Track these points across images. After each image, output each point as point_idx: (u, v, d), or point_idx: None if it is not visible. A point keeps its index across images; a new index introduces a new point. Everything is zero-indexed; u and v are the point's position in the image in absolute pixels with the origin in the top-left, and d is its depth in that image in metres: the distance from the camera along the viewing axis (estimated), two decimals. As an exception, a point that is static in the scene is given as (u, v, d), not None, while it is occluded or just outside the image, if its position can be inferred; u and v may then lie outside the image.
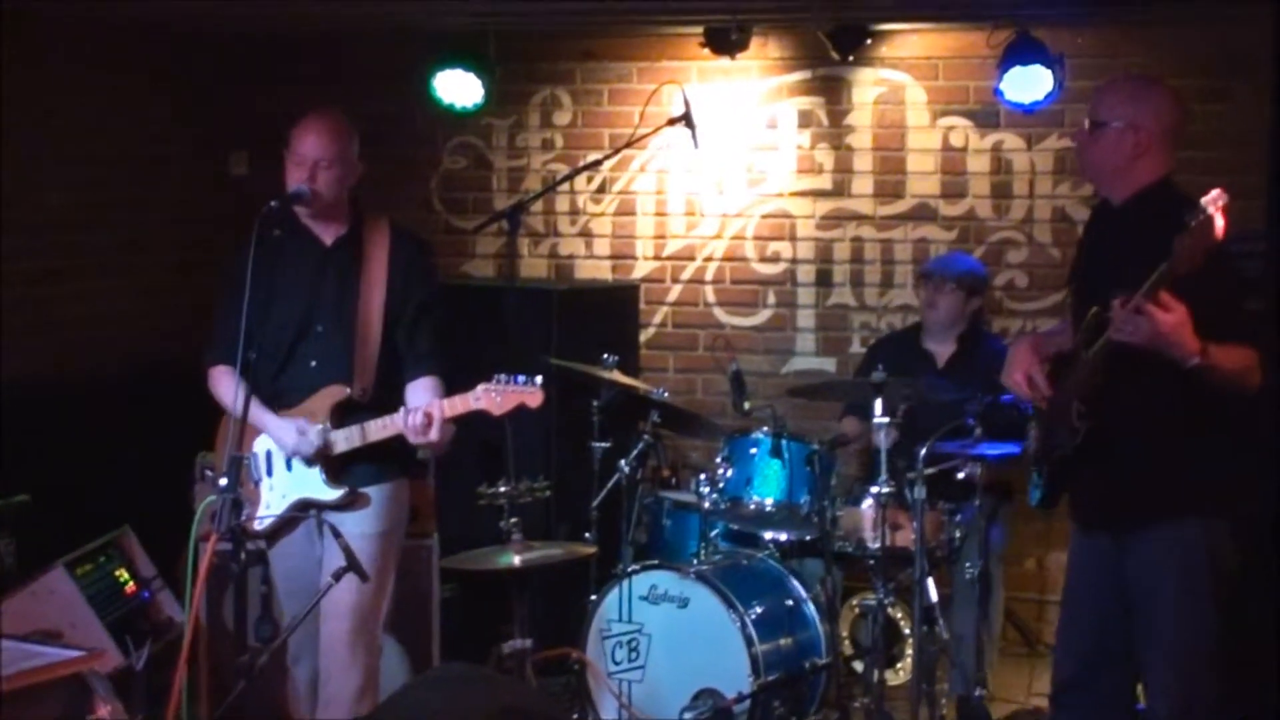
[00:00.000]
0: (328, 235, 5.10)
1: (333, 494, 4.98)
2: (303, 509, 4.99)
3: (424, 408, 4.85)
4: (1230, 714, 4.83)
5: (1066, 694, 4.85)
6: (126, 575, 6.08)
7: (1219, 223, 4.02)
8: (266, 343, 4.77)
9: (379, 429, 4.92)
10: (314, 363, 5.03)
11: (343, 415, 4.98)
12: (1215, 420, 4.49)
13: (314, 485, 5.00)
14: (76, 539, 6.03)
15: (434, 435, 4.85)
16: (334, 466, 5.00)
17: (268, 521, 5.02)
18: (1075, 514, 4.85)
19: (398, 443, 4.96)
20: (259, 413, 4.86)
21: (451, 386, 4.99)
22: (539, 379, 4.80)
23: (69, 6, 6.65)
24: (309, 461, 4.97)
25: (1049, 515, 5.84)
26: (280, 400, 5.02)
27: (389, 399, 4.98)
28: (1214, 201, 4.02)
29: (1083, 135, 4.72)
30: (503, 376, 4.80)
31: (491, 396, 4.80)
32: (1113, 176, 4.66)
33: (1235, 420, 4.52)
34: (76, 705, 4.43)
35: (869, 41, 7.28)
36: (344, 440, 4.96)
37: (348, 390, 4.98)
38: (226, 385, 5.03)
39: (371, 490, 5.04)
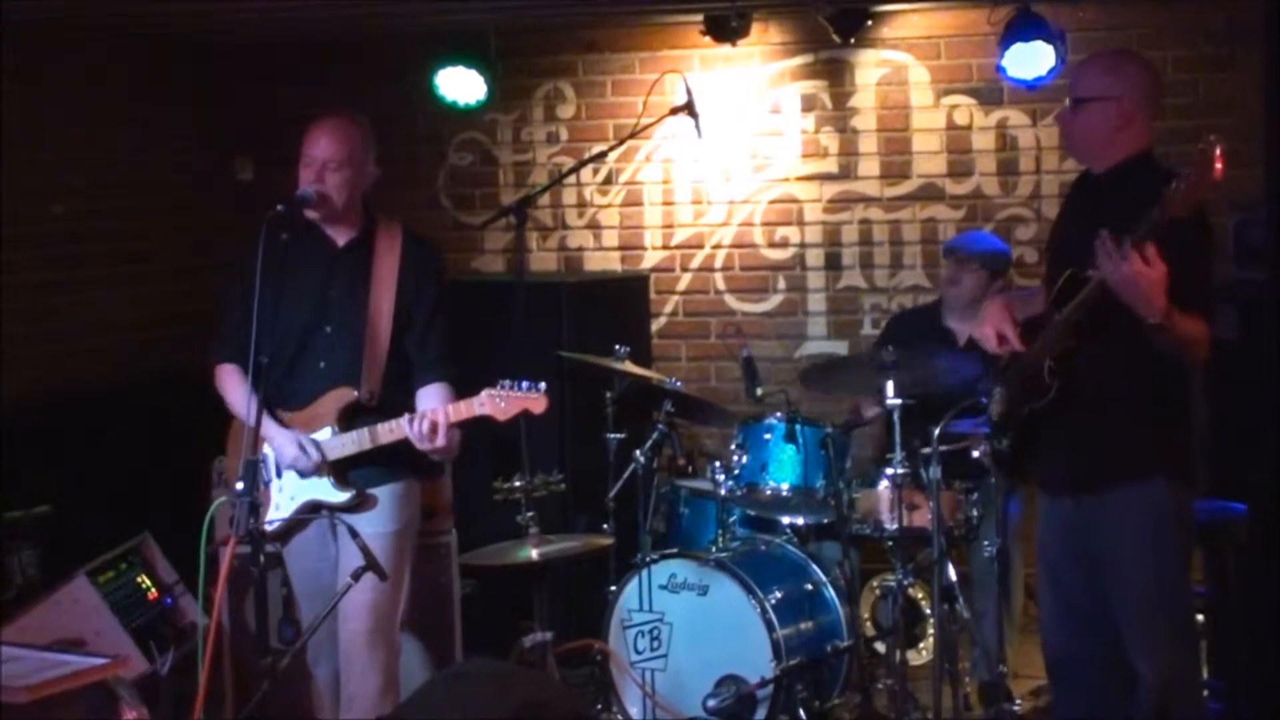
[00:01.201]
0: (339, 237, 5.10)
1: (341, 496, 4.99)
2: (312, 510, 5.00)
3: (429, 415, 4.86)
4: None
5: (1061, 667, 4.89)
6: (148, 582, 6.10)
7: (1217, 166, 4.06)
8: (275, 343, 4.76)
9: (386, 433, 4.93)
10: (322, 364, 5.04)
11: (350, 418, 4.98)
12: (1182, 382, 4.59)
13: (322, 488, 5.00)
14: (97, 548, 6.05)
15: (440, 442, 4.87)
16: (341, 469, 5.01)
17: (277, 524, 5.03)
18: (1041, 478, 4.91)
19: (407, 444, 4.95)
20: (264, 421, 4.86)
21: (461, 391, 5.00)
22: (542, 385, 4.82)
23: (69, 14, 6.66)
24: (305, 475, 4.99)
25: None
26: (288, 402, 5.03)
27: (397, 402, 4.99)
28: (1210, 144, 4.07)
29: (1065, 114, 4.78)
30: (506, 383, 4.82)
31: (496, 402, 4.81)
32: (1097, 149, 4.70)
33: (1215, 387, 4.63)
34: (102, 712, 4.46)
35: (869, 23, 7.29)
36: (352, 443, 4.96)
37: (355, 393, 4.98)
38: (233, 385, 5.07)
39: (381, 490, 5.05)
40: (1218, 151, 4.06)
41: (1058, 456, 4.77)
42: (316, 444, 4.95)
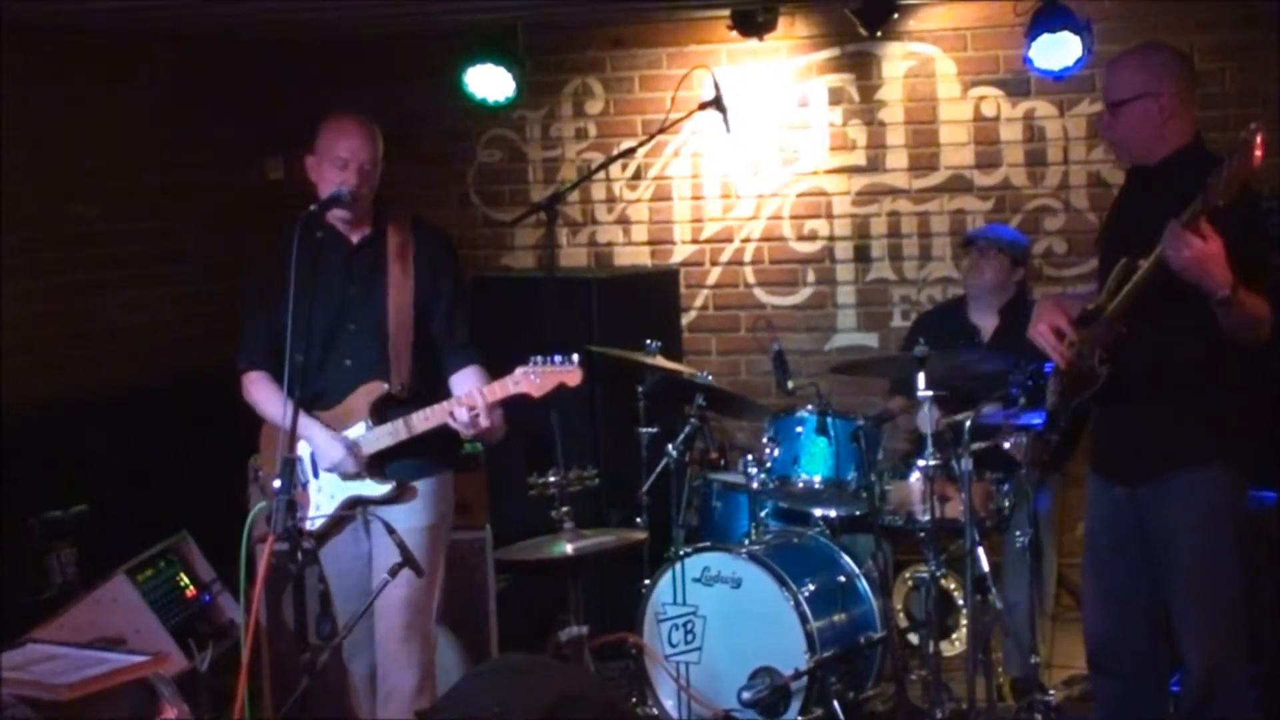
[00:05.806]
0: (354, 235, 5.13)
1: (381, 489, 5.02)
2: (352, 506, 5.02)
3: (466, 399, 4.89)
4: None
5: (1103, 655, 4.89)
6: (187, 580, 6.16)
7: (1256, 153, 4.10)
8: (303, 345, 4.79)
9: (422, 420, 4.94)
10: (349, 361, 5.06)
11: (383, 411, 5.01)
12: (1233, 370, 4.58)
13: (362, 483, 5.03)
14: (136, 546, 6.10)
15: (484, 423, 4.88)
16: (378, 462, 5.04)
17: (320, 522, 5.05)
18: (1097, 465, 4.90)
19: (441, 436, 4.99)
20: (305, 423, 4.89)
21: (491, 375, 5.02)
22: (575, 357, 4.84)
23: (98, 18, 6.70)
24: (346, 477, 5.03)
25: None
26: (319, 401, 5.05)
27: (428, 392, 5.01)
28: (1251, 132, 4.10)
29: (1105, 120, 4.77)
30: (539, 358, 4.83)
31: (530, 379, 4.83)
32: (1147, 147, 4.68)
33: (1251, 371, 4.62)
34: (143, 708, 4.51)
35: (896, 16, 7.30)
36: (388, 435, 4.98)
37: (385, 386, 5.01)
38: (261, 390, 5.10)
39: (417, 484, 5.07)
40: (1259, 139, 4.10)
41: (1112, 443, 4.79)
42: (355, 443, 4.99)
